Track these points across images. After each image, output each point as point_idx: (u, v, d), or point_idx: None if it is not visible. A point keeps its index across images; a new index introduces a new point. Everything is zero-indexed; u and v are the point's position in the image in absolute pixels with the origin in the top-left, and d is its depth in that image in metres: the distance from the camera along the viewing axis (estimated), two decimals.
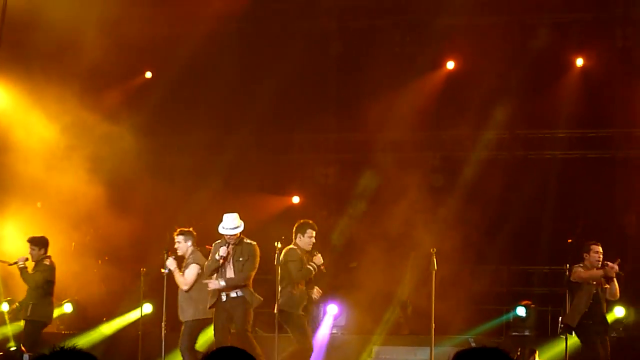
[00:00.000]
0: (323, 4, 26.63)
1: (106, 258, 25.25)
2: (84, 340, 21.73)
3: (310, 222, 20.17)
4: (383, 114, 25.07)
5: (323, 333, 22.41)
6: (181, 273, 19.97)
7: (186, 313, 19.81)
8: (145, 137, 24.73)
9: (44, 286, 20.53)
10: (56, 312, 23.16)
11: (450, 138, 26.48)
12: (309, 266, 19.70)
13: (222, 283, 19.40)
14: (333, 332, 23.00)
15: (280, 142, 25.63)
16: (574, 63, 26.14)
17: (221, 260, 19.30)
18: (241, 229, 19.55)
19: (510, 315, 22.22)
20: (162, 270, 20.26)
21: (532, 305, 22.46)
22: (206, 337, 20.84)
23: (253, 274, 19.54)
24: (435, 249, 20.15)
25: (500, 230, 23.59)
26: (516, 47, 25.83)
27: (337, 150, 26.01)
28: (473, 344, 20.52)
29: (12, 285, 22.52)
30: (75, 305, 23.74)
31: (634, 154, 25.26)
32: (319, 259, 19.73)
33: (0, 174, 23.34)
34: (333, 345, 22.40)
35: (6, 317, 22.41)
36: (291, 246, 19.80)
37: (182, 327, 19.86)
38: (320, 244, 22.06)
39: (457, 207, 23.10)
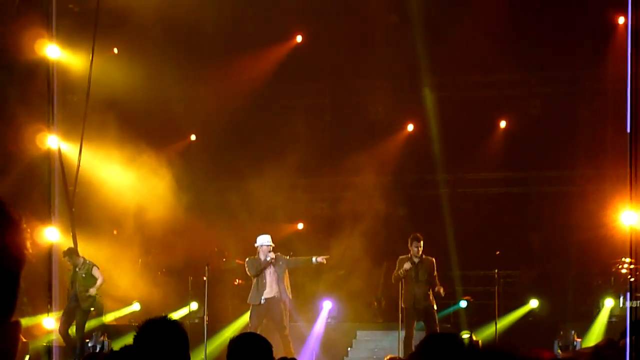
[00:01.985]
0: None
1: (163, 270, 25.33)
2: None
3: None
4: (359, 165, 25.61)
5: (321, 322, 22.99)
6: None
7: None
8: (189, 184, 24.87)
9: None
10: (128, 310, 24.03)
11: (413, 182, 26.84)
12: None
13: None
14: (328, 321, 22.97)
15: (288, 185, 25.39)
16: (498, 125, 26.64)
17: (270, 261, 19.87)
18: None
19: (457, 306, 22.42)
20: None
21: (471, 299, 22.79)
22: None
23: None
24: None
25: (449, 244, 23.69)
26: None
27: (329, 190, 26.02)
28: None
29: None
30: (142, 304, 23.86)
31: (543, 190, 25.51)
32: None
33: (87, 210, 23.19)
34: (328, 331, 22.68)
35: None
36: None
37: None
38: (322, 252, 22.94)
39: (417, 229, 23.07)
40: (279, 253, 20.42)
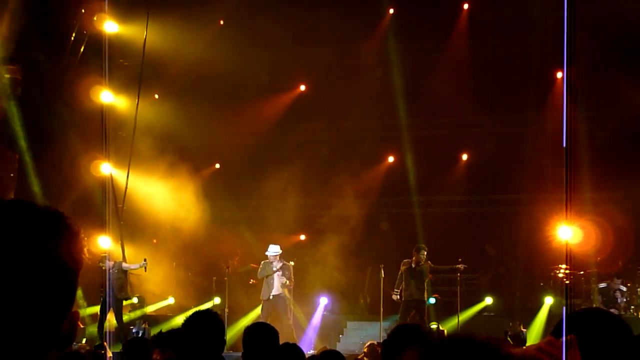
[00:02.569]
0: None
1: (193, 271, 25.40)
2: (180, 318, 21.85)
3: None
4: (349, 189, 25.73)
5: (318, 315, 23.01)
6: None
7: None
8: (213, 203, 24.74)
9: None
10: (164, 303, 24.05)
11: (392, 203, 26.84)
12: None
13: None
14: (324, 314, 22.98)
15: (293, 204, 25.26)
16: (460, 157, 26.75)
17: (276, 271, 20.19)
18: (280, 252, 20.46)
19: (427, 303, 22.39)
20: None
21: (439, 297, 22.79)
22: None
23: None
24: (382, 265, 21.09)
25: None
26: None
27: (325, 208, 25.96)
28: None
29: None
30: (175, 299, 23.87)
31: (497, 210, 25.56)
32: None
33: (132, 223, 23.30)
34: (324, 321, 22.74)
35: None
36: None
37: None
38: (322, 263, 23.08)
39: (396, 241, 23.02)
40: (284, 261, 20.62)
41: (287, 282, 20.43)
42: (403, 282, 20.24)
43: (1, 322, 1.89)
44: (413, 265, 20.22)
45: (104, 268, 20.14)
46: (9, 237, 1.91)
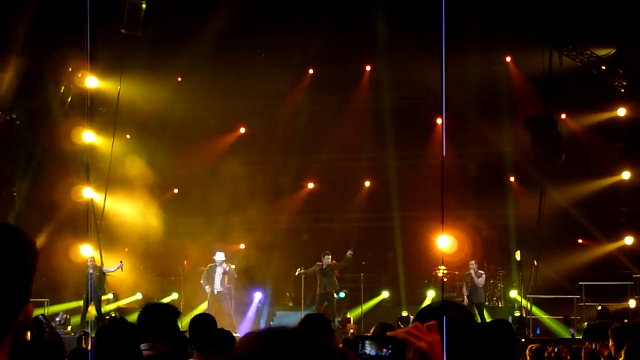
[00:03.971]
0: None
1: (156, 273, 25.02)
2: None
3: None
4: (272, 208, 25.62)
5: (254, 306, 22.92)
6: None
7: None
8: (171, 219, 24.64)
9: None
10: (134, 298, 23.71)
11: (314, 219, 26.71)
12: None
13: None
14: (258, 306, 22.91)
15: (233, 220, 25.13)
16: (364, 184, 26.89)
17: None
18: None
19: (338, 296, 22.40)
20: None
21: (347, 292, 22.78)
22: None
23: None
24: (303, 267, 21.05)
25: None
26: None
27: (259, 222, 25.80)
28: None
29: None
30: (142, 294, 23.45)
31: (393, 224, 25.59)
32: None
33: (109, 236, 22.93)
34: (258, 312, 22.83)
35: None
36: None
37: None
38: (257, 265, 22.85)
39: (317, 249, 22.89)
40: (228, 264, 20.61)
41: (227, 281, 20.49)
42: (318, 279, 20.37)
43: None
44: (323, 267, 20.34)
45: (88, 271, 19.98)
46: None
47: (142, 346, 5.66)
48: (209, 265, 20.79)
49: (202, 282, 21.16)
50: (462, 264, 21.63)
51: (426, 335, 2.48)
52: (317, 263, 20.65)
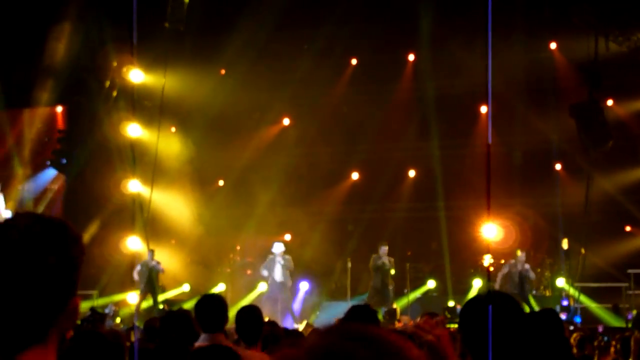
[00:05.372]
0: None
1: (203, 265, 25.14)
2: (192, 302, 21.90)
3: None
4: (322, 200, 25.67)
5: (300, 296, 23.06)
6: None
7: None
8: (219, 211, 24.83)
9: None
10: (181, 289, 23.95)
11: (357, 209, 26.66)
12: None
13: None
14: (305, 296, 23.14)
15: (279, 212, 25.41)
16: (408, 173, 26.87)
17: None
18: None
19: None
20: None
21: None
22: None
23: None
24: (349, 258, 21.13)
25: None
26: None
27: (305, 214, 25.83)
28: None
29: None
30: (190, 286, 23.83)
31: (438, 214, 25.45)
32: None
33: (156, 228, 22.86)
34: (305, 301, 22.98)
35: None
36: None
37: None
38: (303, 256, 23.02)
39: (361, 240, 22.84)
40: (286, 256, 20.80)
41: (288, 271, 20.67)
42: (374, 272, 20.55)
43: (18, 304, 1.94)
44: (381, 261, 20.45)
45: (149, 263, 20.33)
46: (25, 242, 1.97)
47: (202, 337, 5.78)
48: (269, 257, 21.00)
49: (262, 271, 21.21)
50: (509, 252, 21.54)
51: (434, 329, 2.62)
52: (373, 255, 20.64)
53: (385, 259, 20.60)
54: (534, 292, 21.95)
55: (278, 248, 20.84)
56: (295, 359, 1.28)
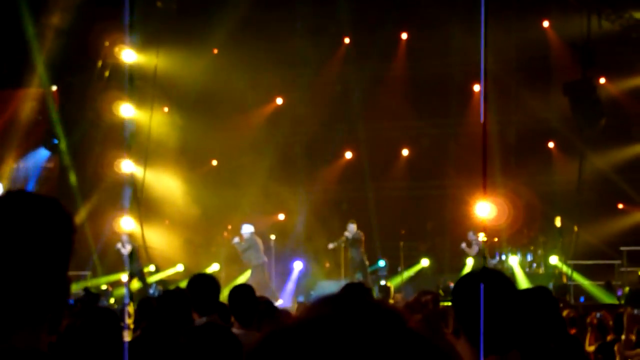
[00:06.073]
0: None
1: (196, 244, 25.15)
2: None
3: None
4: (316, 179, 25.63)
5: (295, 275, 23.07)
6: None
7: None
8: (211, 192, 24.69)
9: None
10: (175, 270, 23.86)
11: (351, 188, 26.75)
12: None
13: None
14: (300, 275, 23.11)
15: (271, 191, 25.29)
16: (401, 152, 26.84)
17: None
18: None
19: (377, 265, 22.43)
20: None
21: (387, 260, 22.84)
22: None
23: None
24: (344, 237, 21.13)
25: (374, 227, 23.61)
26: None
27: (297, 194, 25.80)
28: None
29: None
30: (184, 266, 23.54)
31: (431, 193, 25.51)
32: None
33: (149, 208, 23.16)
34: (300, 280, 22.96)
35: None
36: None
37: None
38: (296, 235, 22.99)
39: (356, 218, 22.96)
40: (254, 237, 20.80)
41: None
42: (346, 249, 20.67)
43: (10, 283, 1.92)
44: (349, 237, 20.57)
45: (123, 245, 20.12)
46: (17, 220, 1.95)
47: (197, 317, 5.77)
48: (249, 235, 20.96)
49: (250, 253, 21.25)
50: (502, 230, 21.65)
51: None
52: (345, 233, 20.71)
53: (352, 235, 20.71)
54: (527, 269, 22.08)
55: (247, 229, 20.78)
56: (286, 332, 1.25)
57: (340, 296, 1.30)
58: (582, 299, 19.92)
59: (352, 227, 20.63)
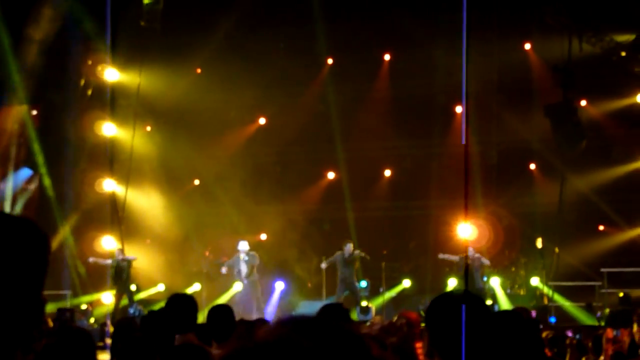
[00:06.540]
0: None
1: (178, 264, 25.01)
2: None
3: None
4: (299, 199, 25.65)
5: (276, 296, 22.99)
6: None
7: None
8: (190, 210, 24.72)
9: None
10: (156, 290, 23.75)
11: (332, 209, 26.64)
12: None
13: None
14: (281, 295, 23.01)
15: (253, 211, 25.29)
16: (384, 173, 26.88)
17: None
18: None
19: (359, 285, 22.35)
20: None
21: (368, 280, 22.78)
22: None
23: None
24: (324, 257, 21.10)
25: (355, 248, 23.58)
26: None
27: (280, 213, 25.79)
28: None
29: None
30: (165, 285, 23.51)
31: (413, 213, 25.58)
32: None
33: (131, 227, 22.89)
34: (282, 300, 22.90)
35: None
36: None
37: None
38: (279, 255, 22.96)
39: (337, 239, 22.86)
40: (251, 252, 20.78)
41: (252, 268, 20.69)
42: (338, 268, 20.62)
43: None
44: (345, 256, 20.45)
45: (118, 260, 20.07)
46: None
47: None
48: (235, 256, 20.99)
49: (222, 269, 21.32)
50: (482, 251, 21.64)
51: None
52: (338, 252, 20.72)
53: (347, 254, 20.77)
54: (508, 290, 22.11)
55: (243, 246, 20.88)
56: (245, 351, 1.27)
57: (302, 318, 1.31)
58: (552, 319, 19.87)
59: (349, 247, 20.76)
